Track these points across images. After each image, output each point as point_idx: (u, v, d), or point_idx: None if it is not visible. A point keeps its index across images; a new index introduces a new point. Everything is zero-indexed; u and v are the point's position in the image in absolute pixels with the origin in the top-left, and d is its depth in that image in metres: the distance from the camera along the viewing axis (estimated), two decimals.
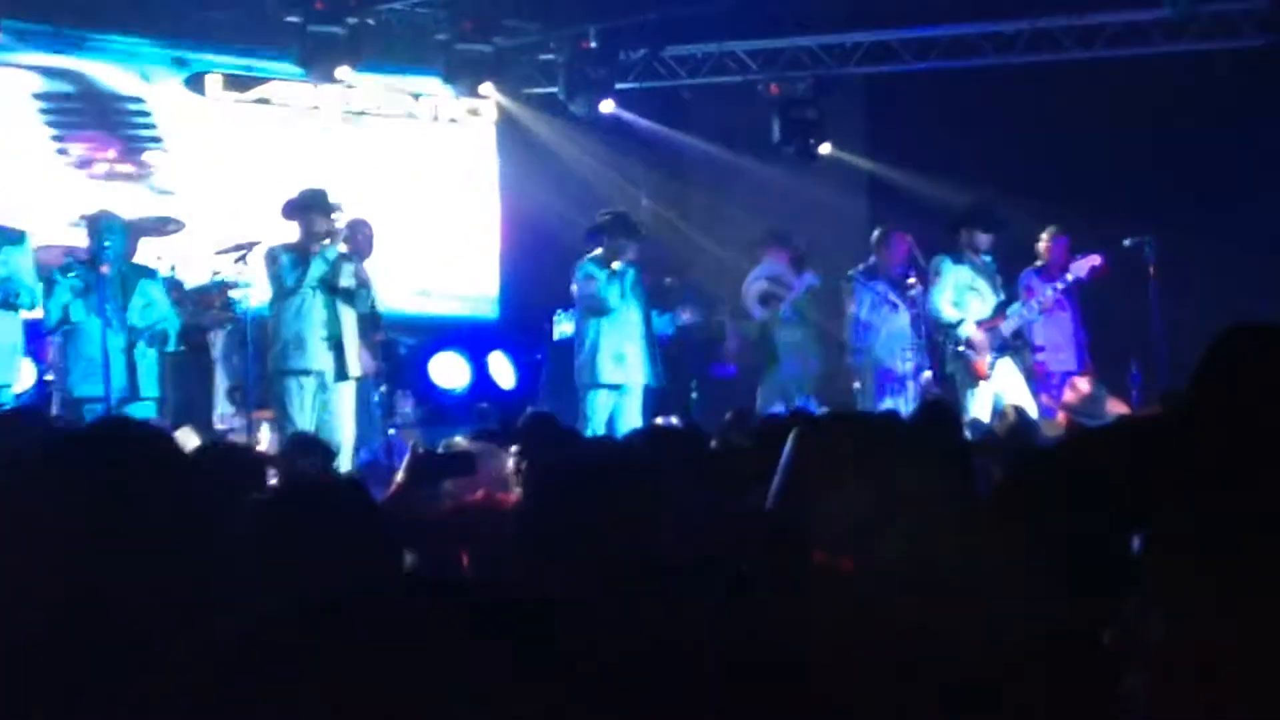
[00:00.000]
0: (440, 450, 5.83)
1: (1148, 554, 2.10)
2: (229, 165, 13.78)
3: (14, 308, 10.01)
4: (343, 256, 10.37)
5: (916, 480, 2.37)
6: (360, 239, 11.36)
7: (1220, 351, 2.22)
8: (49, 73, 13.19)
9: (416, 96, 14.94)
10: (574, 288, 11.71)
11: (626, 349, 11.45)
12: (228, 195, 13.42)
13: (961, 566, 2.31)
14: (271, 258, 10.43)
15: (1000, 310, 11.47)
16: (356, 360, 10.42)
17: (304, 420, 10.10)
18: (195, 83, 13.82)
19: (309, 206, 10.42)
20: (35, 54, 13.02)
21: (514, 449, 5.82)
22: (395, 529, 3.50)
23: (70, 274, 10.09)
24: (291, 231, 10.47)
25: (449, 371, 14.08)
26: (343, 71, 13.45)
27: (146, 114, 13.68)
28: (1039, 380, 11.58)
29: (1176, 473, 2.08)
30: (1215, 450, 2.06)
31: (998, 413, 9.64)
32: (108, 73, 13.42)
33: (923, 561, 2.33)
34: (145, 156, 13.59)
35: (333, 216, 10.48)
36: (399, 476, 5.09)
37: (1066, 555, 2.17)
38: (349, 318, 10.40)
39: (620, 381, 11.45)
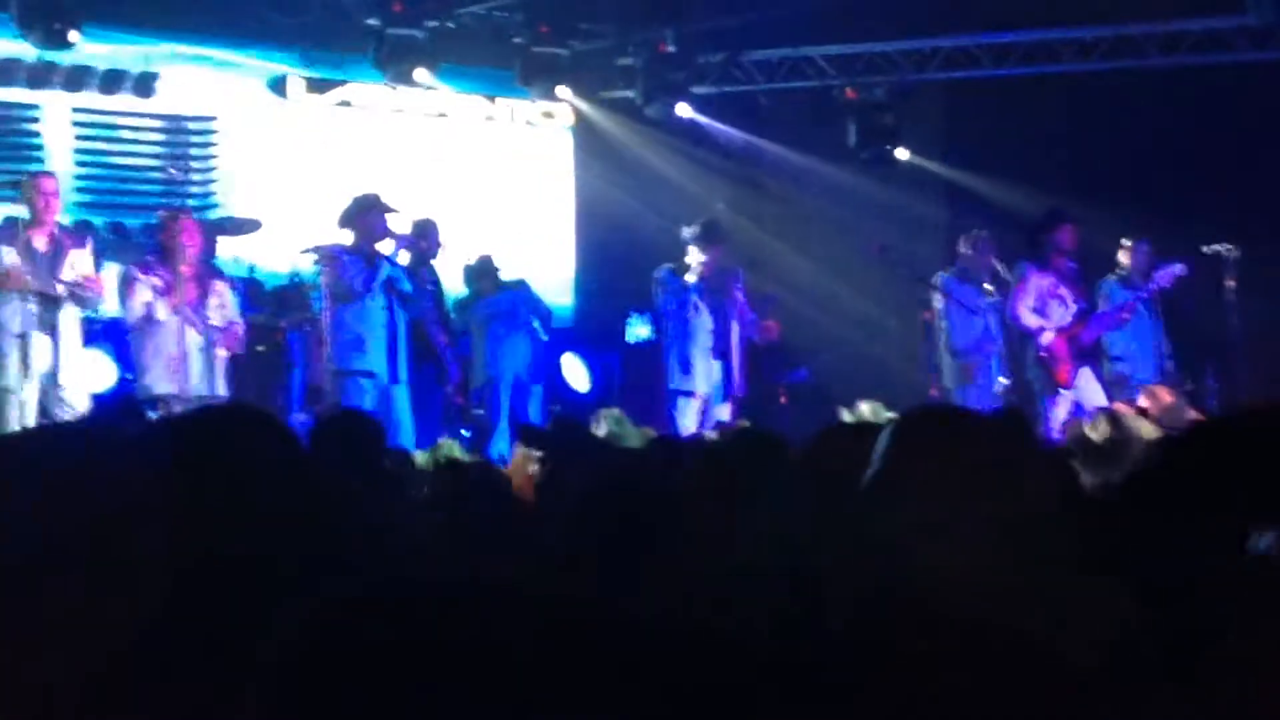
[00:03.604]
0: None
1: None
2: (310, 166, 13.88)
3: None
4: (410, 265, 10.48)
5: (1010, 482, 2.34)
6: (428, 241, 11.39)
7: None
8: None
9: (492, 98, 14.99)
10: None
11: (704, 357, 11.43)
12: (309, 197, 13.46)
13: (1039, 574, 2.28)
14: (333, 258, 10.41)
15: (1081, 318, 11.36)
16: (405, 363, 10.45)
17: None
18: (278, 86, 13.93)
19: (363, 211, 10.44)
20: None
21: (538, 454, 5.75)
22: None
23: (150, 273, 10.02)
24: (346, 236, 10.51)
25: None
26: (421, 74, 13.52)
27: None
28: (1117, 388, 11.45)
29: None
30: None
31: (1090, 418, 9.47)
32: (191, 75, 13.52)
33: (1007, 567, 2.31)
34: (226, 160, 13.69)
35: (388, 217, 10.51)
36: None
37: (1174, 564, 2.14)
38: (403, 322, 10.45)
39: (700, 389, 11.40)
